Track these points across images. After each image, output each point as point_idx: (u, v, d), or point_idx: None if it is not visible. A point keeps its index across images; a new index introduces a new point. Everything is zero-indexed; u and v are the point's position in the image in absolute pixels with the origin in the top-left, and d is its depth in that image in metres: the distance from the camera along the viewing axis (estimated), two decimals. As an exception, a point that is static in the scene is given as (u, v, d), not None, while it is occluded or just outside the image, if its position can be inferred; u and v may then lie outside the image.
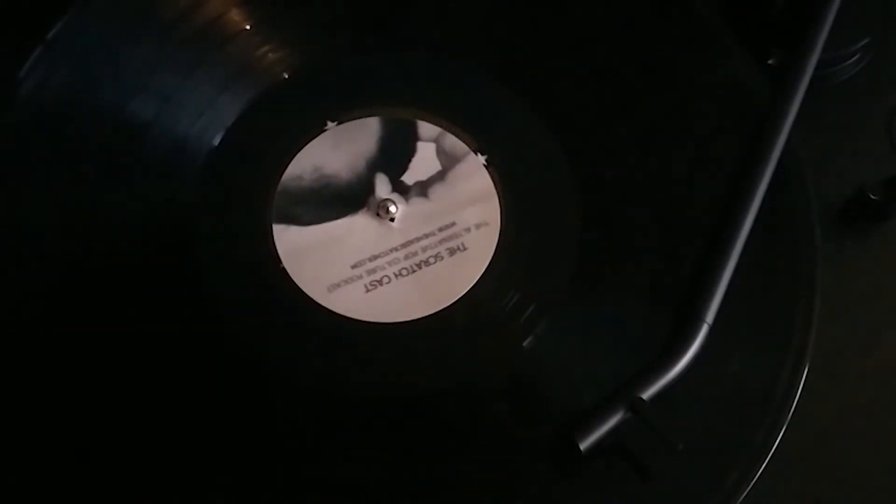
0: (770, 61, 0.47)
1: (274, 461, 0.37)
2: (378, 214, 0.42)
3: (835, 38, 0.46)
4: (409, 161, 0.43)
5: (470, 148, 0.43)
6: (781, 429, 0.38)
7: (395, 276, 0.41)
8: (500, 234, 0.42)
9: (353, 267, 0.41)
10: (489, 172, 0.43)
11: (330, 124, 0.44)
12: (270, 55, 0.45)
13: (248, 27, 0.45)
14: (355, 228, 0.42)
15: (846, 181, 0.45)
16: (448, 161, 0.43)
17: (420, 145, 0.44)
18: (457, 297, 0.40)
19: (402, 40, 0.46)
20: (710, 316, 0.39)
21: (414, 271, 0.41)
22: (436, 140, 0.44)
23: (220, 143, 0.43)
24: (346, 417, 0.38)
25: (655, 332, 0.39)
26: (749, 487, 0.37)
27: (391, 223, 0.42)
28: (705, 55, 0.46)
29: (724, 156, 0.43)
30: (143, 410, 0.38)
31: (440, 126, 0.44)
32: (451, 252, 0.41)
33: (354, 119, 0.44)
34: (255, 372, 0.39)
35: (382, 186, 0.43)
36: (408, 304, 0.40)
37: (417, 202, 0.43)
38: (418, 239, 0.42)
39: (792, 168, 0.43)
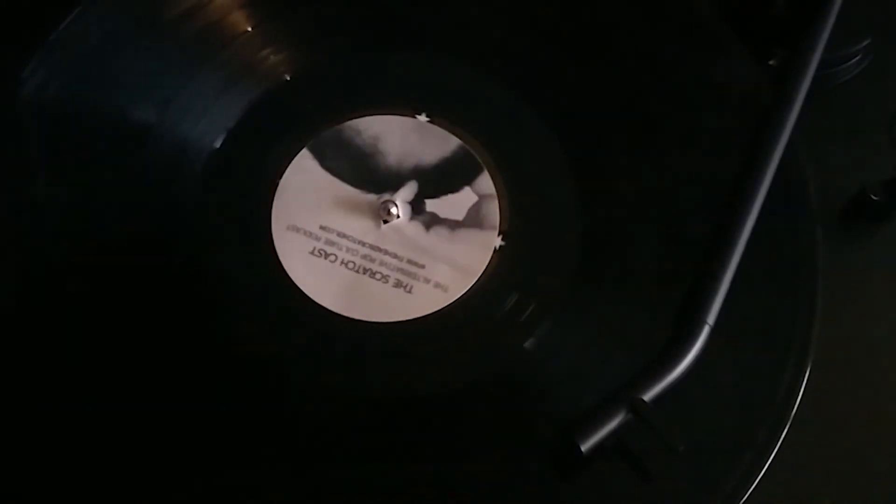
0: (771, 62, 0.47)
1: (275, 460, 0.37)
2: (379, 210, 0.42)
3: (836, 38, 0.46)
4: (447, 195, 0.43)
5: (498, 228, 0.43)
6: (783, 430, 0.38)
7: (342, 263, 0.41)
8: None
9: (321, 228, 0.42)
10: (493, 254, 0.42)
11: (420, 117, 0.44)
12: (272, 57, 0.45)
13: (249, 29, 0.45)
14: (353, 204, 0.42)
15: (847, 182, 0.45)
16: (471, 221, 0.43)
17: (466, 191, 0.43)
18: (360, 318, 0.40)
19: (404, 42, 0.46)
20: (711, 317, 0.39)
21: (358, 272, 0.41)
22: (480, 198, 0.43)
23: (221, 144, 0.43)
24: (344, 419, 0.38)
25: (656, 333, 0.39)
26: (751, 489, 0.37)
27: (382, 224, 0.42)
28: (707, 56, 0.46)
29: (725, 156, 0.43)
30: (143, 411, 0.38)
31: (493, 183, 0.43)
32: (397, 284, 0.41)
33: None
34: (255, 372, 0.39)
35: (406, 193, 0.43)
36: (326, 289, 0.41)
37: (416, 227, 0.42)
38: (386, 252, 0.42)
39: (793, 169, 0.43)
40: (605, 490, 0.37)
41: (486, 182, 0.43)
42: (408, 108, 0.44)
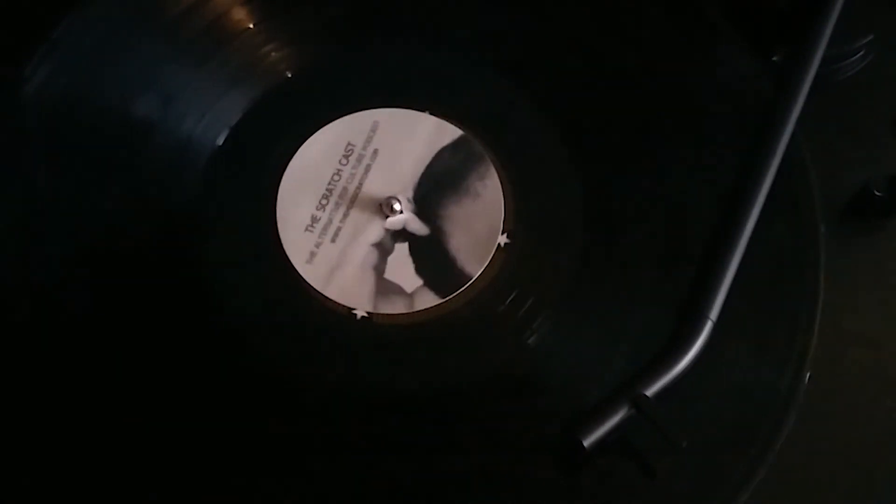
0: (774, 58, 0.47)
1: (279, 459, 0.37)
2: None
3: (839, 34, 0.46)
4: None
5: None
6: (786, 426, 0.38)
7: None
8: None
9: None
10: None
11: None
12: (274, 54, 0.45)
13: (251, 26, 0.45)
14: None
15: (851, 178, 0.45)
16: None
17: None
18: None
19: (407, 39, 0.46)
20: (714, 313, 0.39)
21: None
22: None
23: (223, 141, 0.43)
24: (345, 415, 0.38)
25: (659, 329, 0.39)
26: (753, 485, 0.37)
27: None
28: (709, 53, 0.46)
29: (727, 153, 0.43)
30: (147, 411, 0.38)
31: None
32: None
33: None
34: (258, 370, 0.39)
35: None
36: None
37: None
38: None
39: (796, 165, 0.43)
40: (608, 485, 0.37)
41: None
42: (411, 105, 0.44)
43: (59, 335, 0.39)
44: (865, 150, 0.47)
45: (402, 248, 0.42)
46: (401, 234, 0.42)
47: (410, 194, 0.43)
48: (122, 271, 0.41)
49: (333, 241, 0.42)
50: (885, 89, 0.48)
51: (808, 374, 0.39)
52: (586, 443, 0.36)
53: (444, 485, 0.37)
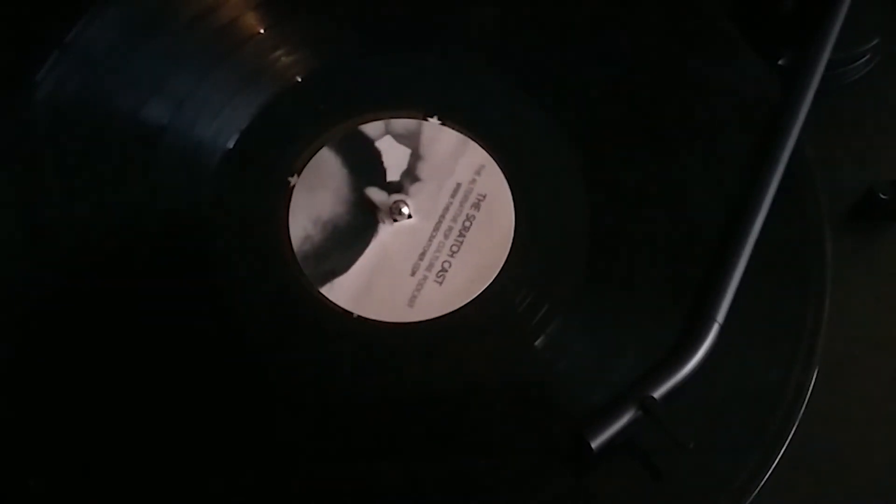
0: (780, 62, 0.48)
1: (287, 461, 0.38)
2: (395, 220, 0.42)
3: (845, 38, 0.46)
4: (381, 163, 0.44)
5: (419, 118, 0.44)
6: (792, 427, 0.38)
7: (450, 255, 0.42)
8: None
9: (413, 274, 0.42)
10: (450, 127, 0.44)
11: (292, 178, 0.43)
12: (284, 58, 0.45)
13: (261, 31, 0.46)
14: (388, 243, 0.42)
15: (856, 181, 0.46)
16: (411, 140, 0.44)
17: (379, 144, 0.44)
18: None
19: (416, 43, 0.46)
20: (721, 315, 0.39)
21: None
22: (386, 132, 0.44)
23: (234, 145, 0.44)
24: (359, 417, 0.38)
25: (666, 331, 0.40)
26: (759, 486, 0.37)
27: (411, 219, 0.42)
28: (715, 56, 0.46)
29: (734, 156, 0.44)
30: (154, 411, 0.38)
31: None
32: (476, 206, 0.42)
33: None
34: (273, 375, 0.39)
35: (379, 196, 0.43)
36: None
37: (416, 188, 0.43)
38: (443, 214, 0.43)
39: (802, 168, 0.43)
40: (616, 487, 0.37)
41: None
42: (419, 110, 0.45)
43: (66, 335, 0.39)
44: (870, 153, 0.47)
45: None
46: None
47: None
48: (132, 273, 0.41)
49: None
50: (891, 93, 0.48)
51: (814, 376, 0.39)
52: (594, 444, 0.37)
53: (452, 486, 0.37)
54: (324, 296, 0.41)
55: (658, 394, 0.38)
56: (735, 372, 0.39)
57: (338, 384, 0.39)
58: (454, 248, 0.42)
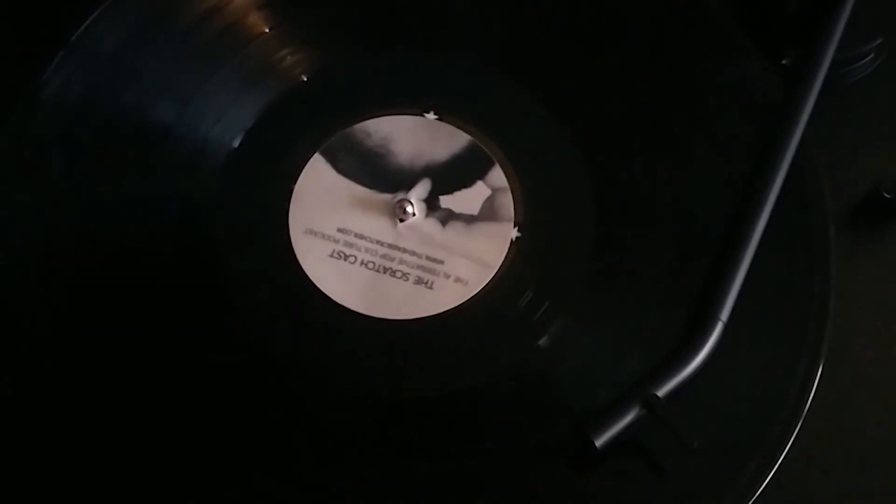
0: (784, 61, 0.48)
1: (286, 459, 0.38)
2: (395, 209, 0.43)
3: (849, 38, 0.46)
4: (460, 190, 0.43)
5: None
6: (796, 426, 0.38)
7: (362, 263, 0.42)
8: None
9: (339, 230, 0.42)
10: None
11: (428, 115, 0.44)
12: (289, 58, 0.45)
13: (267, 30, 0.46)
14: (369, 204, 0.43)
15: (860, 180, 0.46)
16: (486, 215, 0.43)
17: (479, 185, 0.43)
18: (384, 316, 0.41)
19: (422, 42, 0.46)
20: (725, 314, 0.39)
21: (378, 271, 0.42)
22: (494, 192, 0.43)
23: (239, 144, 0.44)
24: (360, 417, 0.39)
25: (670, 329, 0.40)
26: (764, 485, 0.37)
27: (398, 222, 0.43)
28: (719, 56, 0.46)
29: (738, 155, 0.44)
30: (160, 411, 0.38)
31: (506, 177, 0.44)
32: (418, 281, 0.41)
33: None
34: (278, 375, 0.39)
35: (420, 191, 0.43)
36: (347, 290, 0.41)
37: (432, 224, 0.43)
38: (404, 251, 0.42)
39: (806, 167, 0.43)
40: (619, 485, 0.37)
41: (498, 175, 0.44)
42: (424, 107, 0.45)
43: (75, 332, 0.39)
44: (874, 152, 0.47)
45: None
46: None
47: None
48: (138, 271, 0.41)
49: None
50: (895, 92, 0.48)
51: (818, 375, 0.39)
52: (598, 443, 0.37)
53: (455, 485, 0.37)
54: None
55: (662, 392, 0.38)
56: (739, 370, 0.39)
57: (339, 382, 0.39)
58: (369, 265, 0.42)
